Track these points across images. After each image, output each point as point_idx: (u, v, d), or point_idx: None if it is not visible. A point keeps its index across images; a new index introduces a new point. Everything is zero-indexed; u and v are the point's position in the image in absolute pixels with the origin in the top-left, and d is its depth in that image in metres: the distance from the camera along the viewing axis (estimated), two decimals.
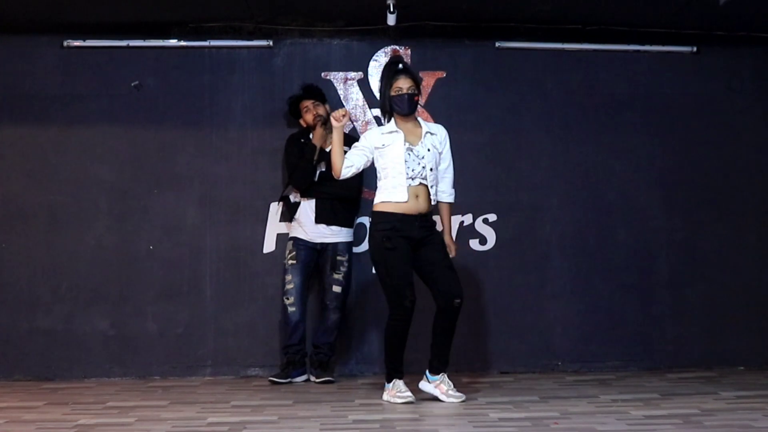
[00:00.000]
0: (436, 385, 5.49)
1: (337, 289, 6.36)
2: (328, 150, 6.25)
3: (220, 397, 5.72)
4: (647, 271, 6.80)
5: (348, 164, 5.49)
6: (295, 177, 6.40)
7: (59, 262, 6.55)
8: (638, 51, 6.81)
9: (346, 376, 6.56)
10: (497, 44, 6.76)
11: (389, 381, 5.52)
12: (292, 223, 6.48)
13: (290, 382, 6.25)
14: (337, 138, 5.44)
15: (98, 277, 6.56)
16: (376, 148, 5.49)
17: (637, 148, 6.84)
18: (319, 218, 6.37)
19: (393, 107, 5.51)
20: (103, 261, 6.57)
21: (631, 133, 6.84)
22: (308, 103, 6.42)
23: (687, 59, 6.87)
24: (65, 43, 6.58)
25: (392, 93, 5.49)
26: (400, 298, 5.37)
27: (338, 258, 6.39)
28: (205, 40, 6.64)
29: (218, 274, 6.59)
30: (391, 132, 5.50)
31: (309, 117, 6.41)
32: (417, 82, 5.54)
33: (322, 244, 6.40)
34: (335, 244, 6.40)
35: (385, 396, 5.51)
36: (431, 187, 5.47)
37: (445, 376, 5.50)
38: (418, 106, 5.70)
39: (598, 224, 6.80)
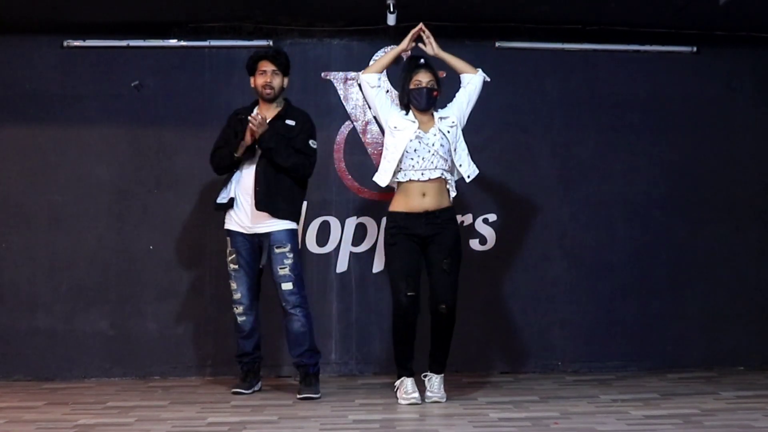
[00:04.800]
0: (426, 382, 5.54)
1: (287, 286, 5.65)
2: (260, 131, 5.61)
3: (220, 397, 5.72)
4: (647, 271, 6.79)
5: (377, 79, 5.56)
6: (213, 157, 5.85)
7: (59, 262, 6.55)
8: (638, 51, 6.81)
9: (346, 376, 6.55)
10: (497, 44, 6.76)
11: (398, 378, 5.51)
12: (228, 212, 5.82)
13: (253, 392, 5.82)
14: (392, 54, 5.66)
15: (98, 277, 6.56)
16: (389, 125, 5.52)
17: (637, 148, 6.84)
18: (261, 203, 5.62)
19: (411, 100, 5.53)
20: (103, 261, 6.57)
21: (631, 133, 6.84)
22: (267, 66, 5.78)
23: (687, 59, 6.86)
24: (65, 43, 6.57)
25: (411, 86, 5.51)
26: (396, 291, 5.40)
27: (278, 250, 5.67)
28: (205, 40, 6.63)
29: (218, 274, 6.58)
30: (409, 119, 5.52)
31: (260, 81, 5.77)
32: (437, 78, 5.56)
33: (258, 235, 5.74)
34: (269, 235, 5.69)
35: (397, 394, 5.51)
36: (460, 165, 5.49)
37: (435, 377, 5.50)
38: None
39: (598, 224, 6.80)
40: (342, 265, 6.63)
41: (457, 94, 5.68)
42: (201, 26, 6.64)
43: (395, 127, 5.50)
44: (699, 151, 6.88)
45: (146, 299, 6.57)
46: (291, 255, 5.68)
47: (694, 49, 6.83)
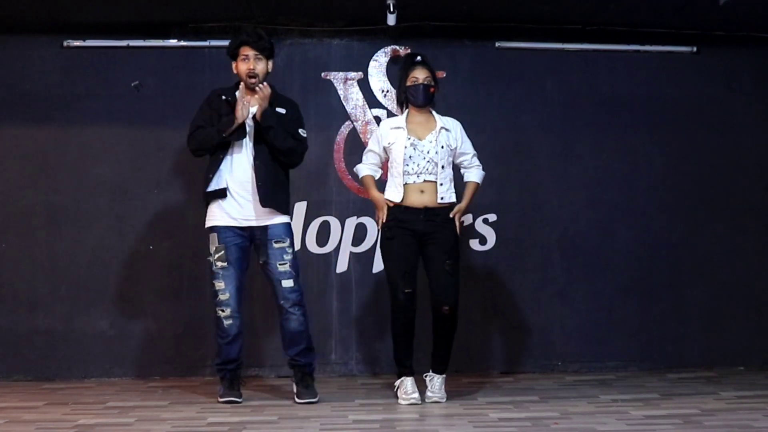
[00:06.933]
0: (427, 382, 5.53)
1: (287, 283, 5.40)
2: (251, 116, 5.40)
3: None
4: (647, 271, 6.79)
5: (373, 171, 5.62)
6: (194, 138, 5.47)
7: (59, 262, 6.55)
8: (638, 51, 6.81)
9: (346, 376, 6.55)
10: (497, 44, 6.76)
11: (398, 377, 5.51)
12: (211, 206, 5.47)
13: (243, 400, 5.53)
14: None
15: (98, 277, 6.55)
16: (385, 145, 5.54)
17: (637, 148, 6.85)
18: (265, 199, 5.35)
19: (408, 97, 5.55)
20: (103, 261, 6.56)
21: (632, 133, 6.84)
22: (248, 51, 5.43)
23: (687, 59, 6.87)
24: (65, 43, 6.57)
25: (408, 83, 5.52)
26: (394, 289, 5.39)
27: (277, 245, 5.41)
28: (205, 40, 6.63)
29: None
30: (397, 128, 5.53)
31: (242, 68, 5.43)
32: (434, 75, 5.57)
33: (251, 228, 5.43)
34: (267, 228, 5.41)
35: (397, 393, 5.50)
36: (440, 185, 5.45)
37: (436, 377, 5.49)
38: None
39: (598, 224, 6.80)
40: (342, 265, 6.64)
41: (464, 148, 5.63)
42: (201, 26, 6.64)
43: (389, 144, 5.52)
44: (699, 151, 6.87)
45: (146, 299, 6.57)
46: (290, 250, 5.44)
47: (694, 49, 6.83)
